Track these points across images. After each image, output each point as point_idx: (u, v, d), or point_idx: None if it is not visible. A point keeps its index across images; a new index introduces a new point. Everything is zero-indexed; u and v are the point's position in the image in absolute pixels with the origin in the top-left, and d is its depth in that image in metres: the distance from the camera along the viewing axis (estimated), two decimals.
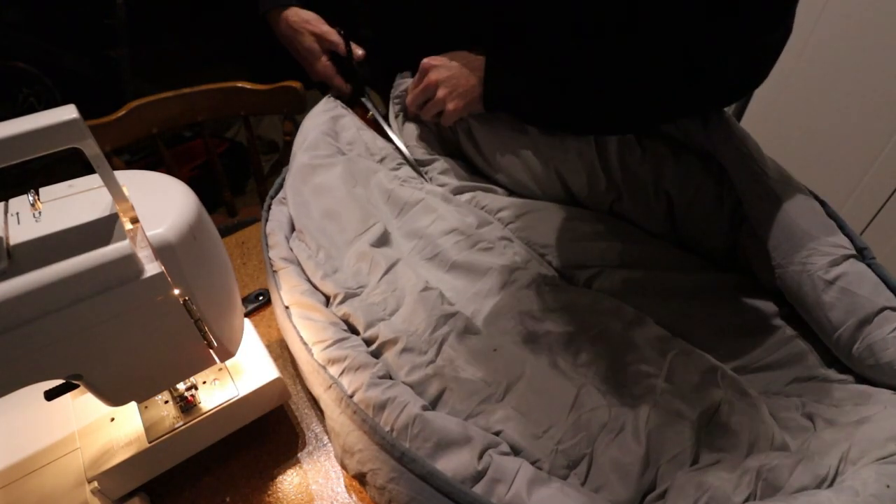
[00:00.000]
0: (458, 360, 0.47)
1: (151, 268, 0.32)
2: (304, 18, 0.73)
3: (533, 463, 0.40)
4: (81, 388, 0.37)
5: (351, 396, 0.42)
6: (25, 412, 0.46)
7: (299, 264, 0.55)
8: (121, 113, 0.98)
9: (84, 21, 1.95)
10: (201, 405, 0.46)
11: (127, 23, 1.97)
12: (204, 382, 0.48)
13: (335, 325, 0.49)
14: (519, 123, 0.66)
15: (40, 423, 0.45)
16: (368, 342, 0.48)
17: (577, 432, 0.42)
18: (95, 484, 0.41)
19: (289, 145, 1.16)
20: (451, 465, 0.37)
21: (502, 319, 0.52)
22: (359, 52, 0.73)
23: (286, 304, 0.52)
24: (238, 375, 0.48)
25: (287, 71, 1.09)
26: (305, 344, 0.47)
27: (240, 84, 1.05)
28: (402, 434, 0.39)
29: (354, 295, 0.52)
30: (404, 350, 0.46)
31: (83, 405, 0.46)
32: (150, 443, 0.43)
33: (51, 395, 0.38)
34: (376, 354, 0.48)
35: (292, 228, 0.61)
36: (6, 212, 0.33)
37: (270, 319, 0.63)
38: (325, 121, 0.71)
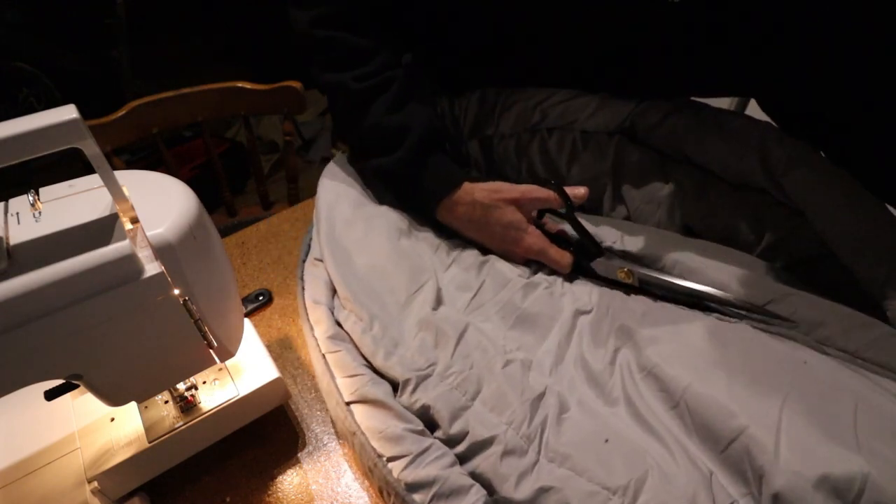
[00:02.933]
0: (571, 460, 0.38)
1: (151, 268, 0.32)
2: (493, 188, 0.57)
3: None
4: (81, 388, 0.37)
5: None
6: (25, 412, 0.46)
7: (351, 341, 0.49)
8: (121, 113, 0.99)
9: (84, 21, 1.96)
10: (201, 405, 0.46)
11: (127, 23, 1.97)
12: (204, 383, 0.48)
13: (408, 425, 0.41)
14: None
15: (40, 423, 0.45)
16: (454, 441, 0.41)
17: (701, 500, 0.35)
18: (95, 484, 0.41)
19: (289, 145, 1.17)
20: None
21: (592, 387, 0.45)
22: (579, 192, 0.55)
23: (347, 400, 0.44)
24: (238, 375, 0.48)
25: (287, 71, 1.10)
26: (381, 457, 0.40)
27: (240, 84, 1.05)
28: None
29: (426, 376, 0.44)
30: (505, 454, 0.38)
31: (83, 405, 0.46)
32: (150, 443, 0.43)
33: (51, 395, 0.38)
34: (465, 457, 0.40)
35: (333, 291, 0.54)
36: (6, 212, 0.33)
37: (270, 319, 0.63)
38: (346, 175, 0.65)
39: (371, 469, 0.41)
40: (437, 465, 0.38)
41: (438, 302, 0.51)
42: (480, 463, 0.39)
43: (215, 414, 0.46)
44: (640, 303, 0.51)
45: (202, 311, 0.36)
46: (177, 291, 0.34)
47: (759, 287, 0.47)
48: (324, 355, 0.47)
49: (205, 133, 1.13)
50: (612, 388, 0.44)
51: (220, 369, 0.49)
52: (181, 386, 0.45)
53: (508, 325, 0.50)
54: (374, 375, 0.45)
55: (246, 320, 0.53)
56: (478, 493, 0.37)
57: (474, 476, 0.39)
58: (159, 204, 0.35)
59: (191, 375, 0.43)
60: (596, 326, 0.50)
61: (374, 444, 0.41)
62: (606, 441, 0.39)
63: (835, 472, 0.33)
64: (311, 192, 0.66)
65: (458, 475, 0.38)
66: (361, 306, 0.49)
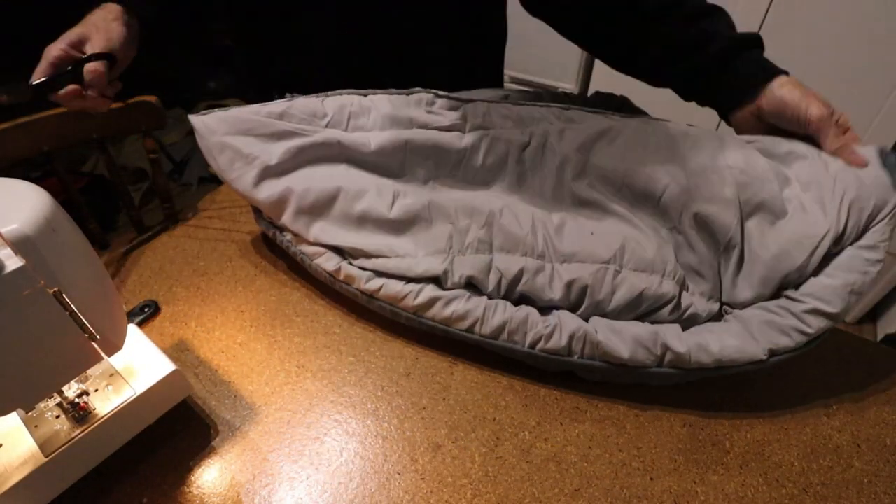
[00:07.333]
0: (575, 256, 0.55)
1: (12, 263, 0.32)
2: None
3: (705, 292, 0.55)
4: None
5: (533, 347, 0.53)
6: None
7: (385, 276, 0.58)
8: None
9: None
10: (97, 411, 0.45)
11: None
12: (96, 390, 0.47)
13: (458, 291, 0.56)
14: None
15: None
16: (497, 288, 0.55)
17: (662, 248, 0.55)
18: None
19: (155, 163, 1.11)
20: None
21: (561, 203, 0.61)
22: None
23: (368, 291, 0.58)
24: (133, 376, 0.48)
25: (136, 85, 1.05)
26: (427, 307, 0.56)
27: None
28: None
29: (452, 259, 0.57)
30: (535, 273, 0.54)
31: None
32: (46, 457, 0.42)
33: None
34: (510, 290, 0.55)
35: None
36: None
37: (162, 327, 0.62)
38: (227, 128, 0.64)
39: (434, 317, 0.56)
40: (471, 301, 0.55)
41: (425, 196, 0.61)
42: (522, 288, 0.55)
43: (114, 417, 0.45)
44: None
45: (76, 301, 0.36)
46: (44, 284, 0.34)
47: None
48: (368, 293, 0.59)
49: (58, 168, 1.04)
50: (578, 197, 0.61)
51: (112, 374, 0.48)
52: (71, 394, 0.44)
53: (481, 189, 0.63)
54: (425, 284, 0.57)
55: (135, 328, 0.52)
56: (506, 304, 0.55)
57: (522, 297, 0.56)
58: (11, 203, 0.35)
59: (79, 374, 0.42)
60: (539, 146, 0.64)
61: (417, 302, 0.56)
62: (592, 234, 0.56)
63: (719, 189, 0.54)
64: (192, 212, 0.65)
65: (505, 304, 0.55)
66: (369, 251, 0.58)
